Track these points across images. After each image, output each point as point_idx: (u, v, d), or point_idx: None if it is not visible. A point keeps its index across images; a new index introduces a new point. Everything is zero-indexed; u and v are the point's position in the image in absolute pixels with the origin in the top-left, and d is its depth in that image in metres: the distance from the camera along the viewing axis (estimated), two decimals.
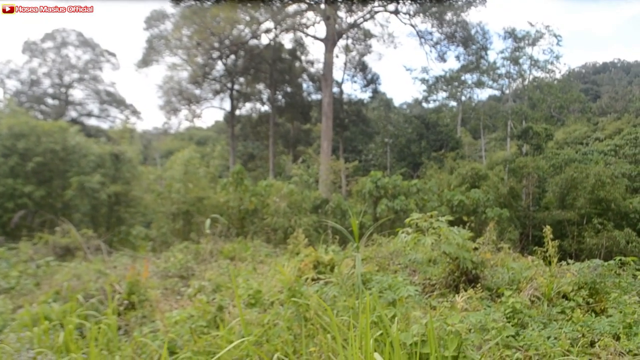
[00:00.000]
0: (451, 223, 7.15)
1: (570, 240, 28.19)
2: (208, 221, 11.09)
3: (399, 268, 8.36)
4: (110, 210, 22.94)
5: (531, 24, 45.93)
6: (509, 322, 5.34)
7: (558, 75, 50.87)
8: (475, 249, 7.60)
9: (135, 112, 50.56)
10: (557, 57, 47.06)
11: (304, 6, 36.10)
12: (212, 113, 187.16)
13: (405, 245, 7.63)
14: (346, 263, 7.40)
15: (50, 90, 47.24)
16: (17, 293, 8.57)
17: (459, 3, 38.53)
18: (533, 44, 46.46)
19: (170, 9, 40.13)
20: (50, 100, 47.42)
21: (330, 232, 13.63)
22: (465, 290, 6.36)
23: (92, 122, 49.28)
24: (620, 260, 7.21)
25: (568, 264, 7.85)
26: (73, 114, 47.94)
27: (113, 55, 48.88)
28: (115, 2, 43.74)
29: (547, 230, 7.78)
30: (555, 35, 46.01)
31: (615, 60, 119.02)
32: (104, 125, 49.57)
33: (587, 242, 26.78)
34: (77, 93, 48.57)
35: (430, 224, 6.79)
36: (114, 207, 22.88)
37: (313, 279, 7.04)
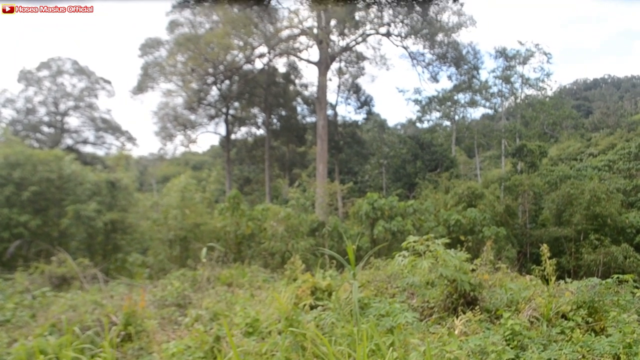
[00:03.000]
0: (448, 243, 7.17)
1: (568, 256, 28.15)
2: (204, 250, 11.05)
3: (396, 291, 8.33)
4: (106, 238, 22.81)
5: (521, 43, 46.65)
6: (508, 344, 5.32)
7: (550, 93, 51.61)
8: (473, 270, 7.60)
9: (130, 139, 50.72)
10: (548, 75, 47.81)
11: (296, 31, 36.61)
12: (207, 138, 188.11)
13: (402, 269, 7.62)
14: (344, 288, 7.37)
15: (46, 119, 47.37)
16: (13, 326, 8.46)
17: (450, 24, 39.16)
18: (524, 62, 47.15)
19: (164, 36, 40.68)
20: (45, 129, 47.51)
21: (327, 256, 13.59)
22: (464, 313, 6.35)
23: (87, 149, 49.42)
24: (618, 278, 7.22)
25: (566, 282, 7.86)
26: (69, 141, 48.02)
27: (108, 82, 49.22)
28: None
29: (544, 248, 7.81)
30: (545, 53, 46.80)
31: (606, 76, 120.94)
32: (100, 152, 49.70)
33: (585, 259, 26.72)
34: (73, 121, 48.77)
35: (427, 246, 6.80)
36: (111, 234, 22.76)
37: (311, 306, 7.01)
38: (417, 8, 38.48)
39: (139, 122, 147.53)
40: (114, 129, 49.74)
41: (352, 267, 5.75)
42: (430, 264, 6.57)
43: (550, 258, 7.59)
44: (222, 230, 20.32)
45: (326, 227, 22.71)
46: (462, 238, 22.29)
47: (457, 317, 6.25)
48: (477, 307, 6.71)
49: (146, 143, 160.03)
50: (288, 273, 9.95)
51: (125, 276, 15.89)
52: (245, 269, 13.30)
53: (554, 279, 7.39)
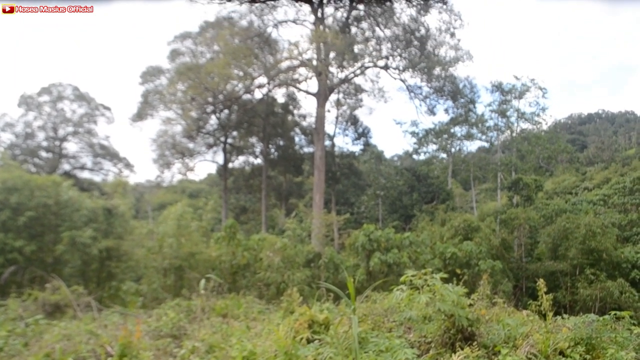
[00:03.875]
0: (444, 277, 7.17)
1: (564, 291, 28.05)
2: (203, 282, 11.00)
3: (394, 325, 8.28)
4: (101, 266, 22.62)
5: (517, 78, 47.30)
6: None
7: (545, 127, 52.13)
8: (471, 304, 7.58)
9: (128, 165, 50.75)
10: (543, 109, 48.27)
11: (296, 62, 37.15)
12: (205, 166, 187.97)
13: (399, 303, 7.61)
14: (342, 322, 7.34)
15: (45, 144, 47.46)
16: (5, 354, 8.35)
17: (447, 59, 39.88)
18: (519, 96, 47.65)
19: (165, 64, 41.24)
20: (44, 154, 47.56)
21: (323, 288, 13.52)
22: (462, 349, 6.31)
23: (85, 175, 49.43)
24: (615, 314, 7.23)
25: (563, 318, 7.85)
26: (66, 167, 48.07)
27: (108, 109, 49.53)
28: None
29: (541, 283, 7.82)
30: (541, 88, 47.34)
31: (600, 111, 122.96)
32: (97, 178, 49.67)
33: (581, 293, 26.61)
34: (71, 146, 48.87)
35: (425, 281, 6.81)
36: (105, 262, 22.57)
37: (308, 340, 6.97)
38: (415, 42, 39.27)
39: (137, 149, 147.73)
40: (112, 156, 49.85)
41: (352, 301, 5.74)
42: (428, 298, 6.57)
43: (546, 293, 7.59)
44: (217, 260, 20.22)
45: (322, 258, 22.62)
46: (458, 271, 22.14)
47: (454, 353, 6.22)
48: (475, 342, 6.67)
49: (144, 170, 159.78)
50: (285, 305, 9.90)
51: (119, 304, 15.74)
52: (241, 300, 13.22)
53: (551, 314, 7.38)
